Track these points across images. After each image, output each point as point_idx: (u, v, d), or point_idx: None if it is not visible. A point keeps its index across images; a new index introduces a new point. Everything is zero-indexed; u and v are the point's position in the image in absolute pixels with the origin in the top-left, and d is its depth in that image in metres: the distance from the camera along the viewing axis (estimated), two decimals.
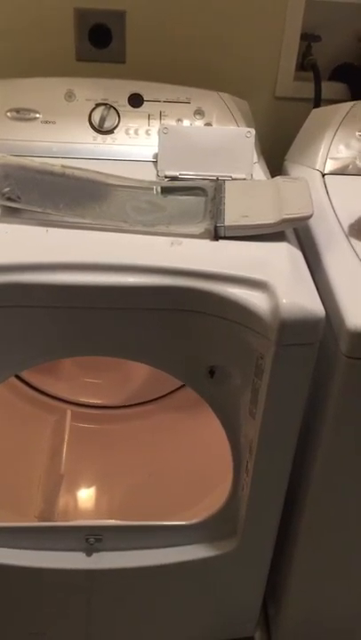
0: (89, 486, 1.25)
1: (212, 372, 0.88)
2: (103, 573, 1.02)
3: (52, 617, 1.11)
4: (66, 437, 1.26)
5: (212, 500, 1.03)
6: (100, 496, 1.23)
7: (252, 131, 1.05)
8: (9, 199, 0.88)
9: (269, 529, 1.01)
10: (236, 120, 1.13)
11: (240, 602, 1.14)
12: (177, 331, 0.84)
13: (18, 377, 1.32)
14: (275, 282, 0.79)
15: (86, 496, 1.23)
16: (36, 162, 0.96)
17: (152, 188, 0.97)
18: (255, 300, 0.79)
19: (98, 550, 1.02)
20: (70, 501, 1.21)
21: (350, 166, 1.12)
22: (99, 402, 1.37)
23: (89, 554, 1.02)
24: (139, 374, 1.37)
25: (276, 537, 1.03)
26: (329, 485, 0.96)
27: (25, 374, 1.32)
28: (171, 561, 1.02)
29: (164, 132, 1.04)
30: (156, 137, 1.06)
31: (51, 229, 0.87)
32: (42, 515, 1.15)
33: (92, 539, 1.00)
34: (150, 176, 1.04)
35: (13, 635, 1.14)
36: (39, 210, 0.88)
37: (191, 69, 1.26)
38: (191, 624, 1.15)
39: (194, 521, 1.01)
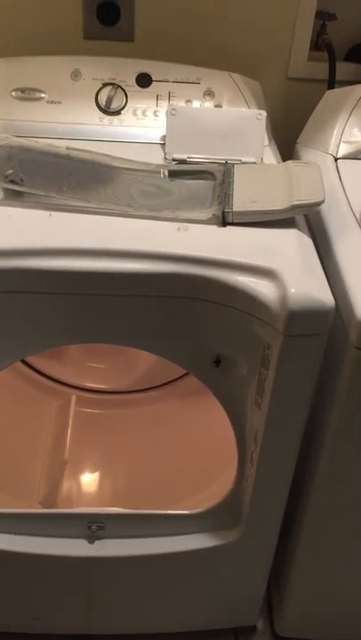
0: (92, 472, 1.24)
1: (217, 362, 0.87)
2: (105, 561, 1.02)
3: (53, 603, 1.11)
4: (70, 422, 1.25)
5: (216, 490, 1.02)
6: (104, 482, 1.22)
7: (264, 113, 1.02)
8: (12, 182, 0.87)
9: (274, 519, 1.00)
10: (247, 101, 1.10)
11: (243, 591, 1.13)
12: (182, 319, 0.83)
13: (23, 361, 1.31)
14: (283, 270, 0.77)
15: (89, 482, 1.23)
16: (40, 143, 0.94)
17: (159, 172, 0.95)
18: (263, 288, 0.77)
19: (100, 538, 1.01)
20: (73, 487, 1.20)
21: None
22: (104, 387, 1.36)
23: (91, 541, 1.01)
24: (144, 360, 1.36)
25: (281, 526, 1.02)
26: (335, 476, 0.95)
27: (30, 358, 1.31)
28: (173, 550, 1.02)
29: (172, 113, 1.01)
30: (165, 118, 1.03)
31: (54, 213, 0.85)
32: (45, 500, 1.14)
33: (94, 526, 1.00)
34: (158, 159, 1.01)
35: (16, 619, 1.14)
36: (42, 193, 0.86)
37: (201, 48, 1.23)
38: (194, 612, 1.15)
39: (197, 510, 1.00)
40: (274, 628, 1.21)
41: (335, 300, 0.77)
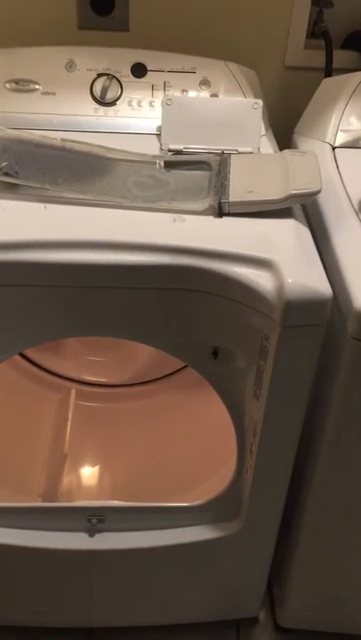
0: (92, 465, 1.24)
1: (215, 353, 0.86)
2: (105, 554, 1.02)
3: (54, 597, 1.11)
4: (70, 416, 1.25)
5: (216, 482, 1.01)
6: (104, 476, 1.22)
7: (260, 102, 1.01)
8: (6, 174, 0.86)
9: (274, 511, 1.00)
10: (243, 91, 1.09)
11: (244, 583, 1.13)
12: (179, 311, 0.82)
13: (22, 355, 1.31)
14: (280, 260, 0.76)
15: (90, 476, 1.22)
16: (35, 135, 0.93)
17: (155, 163, 0.94)
18: (259, 279, 0.76)
19: (100, 531, 1.01)
20: (74, 481, 1.20)
21: None
22: (103, 380, 1.36)
23: (91, 534, 1.01)
24: (144, 353, 1.35)
25: (282, 518, 1.02)
26: (335, 467, 0.94)
27: (29, 352, 1.31)
28: (173, 542, 1.02)
29: (167, 103, 1.00)
30: (160, 109, 1.02)
31: (49, 206, 0.84)
32: (45, 494, 1.14)
33: (94, 519, 1.00)
34: (153, 150, 1.01)
35: (17, 613, 1.14)
36: (37, 185, 0.85)
37: (197, 37, 1.22)
38: (195, 604, 1.15)
39: (197, 502, 1.00)
40: (276, 620, 1.21)
41: (333, 290, 0.77)
